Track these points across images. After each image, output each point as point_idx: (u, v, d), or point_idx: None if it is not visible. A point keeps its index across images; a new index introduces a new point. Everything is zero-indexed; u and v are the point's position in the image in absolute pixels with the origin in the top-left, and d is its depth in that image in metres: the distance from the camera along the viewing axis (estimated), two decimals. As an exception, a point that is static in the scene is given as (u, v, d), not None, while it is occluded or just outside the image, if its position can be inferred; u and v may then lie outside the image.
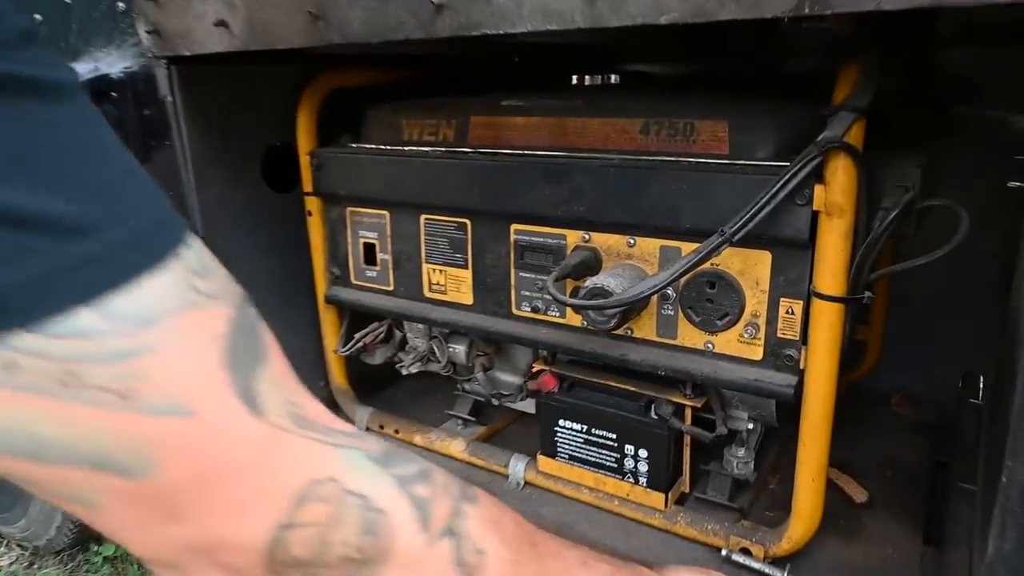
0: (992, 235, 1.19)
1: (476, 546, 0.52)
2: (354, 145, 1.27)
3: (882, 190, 0.89)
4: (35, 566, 1.97)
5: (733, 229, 0.80)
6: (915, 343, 1.44)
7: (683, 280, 0.96)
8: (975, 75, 1.26)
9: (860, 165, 0.80)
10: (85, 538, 1.94)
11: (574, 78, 1.21)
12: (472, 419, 1.36)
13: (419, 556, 0.49)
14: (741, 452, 1.09)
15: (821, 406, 0.91)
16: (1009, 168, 1.13)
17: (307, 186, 1.29)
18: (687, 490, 1.11)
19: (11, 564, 1.99)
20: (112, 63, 1.14)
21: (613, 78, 1.19)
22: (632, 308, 0.93)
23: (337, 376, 1.42)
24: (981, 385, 1.35)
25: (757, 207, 0.80)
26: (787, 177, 0.79)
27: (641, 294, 0.85)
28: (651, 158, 0.97)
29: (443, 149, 1.16)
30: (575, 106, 1.07)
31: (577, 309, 0.96)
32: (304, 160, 1.28)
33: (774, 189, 0.79)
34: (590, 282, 0.93)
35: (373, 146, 1.25)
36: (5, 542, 2.05)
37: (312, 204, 1.30)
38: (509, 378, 1.30)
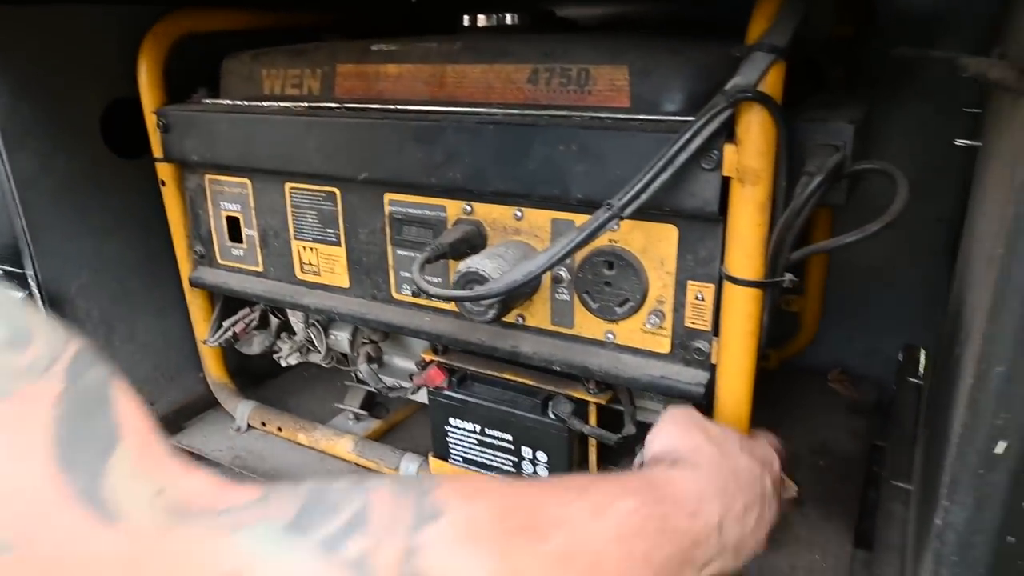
0: (937, 198, 1.07)
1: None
2: (209, 101, 1.08)
3: (807, 151, 0.74)
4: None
5: (622, 202, 0.65)
6: (855, 314, 1.32)
7: (578, 260, 0.81)
8: (924, 14, 1.12)
9: (779, 120, 0.64)
10: None
11: (465, 18, 1.03)
12: (364, 413, 1.20)
13: None
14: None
15: (736, 407, 0.77)
16: (957, 123, 0.99)
17: (157, 150, 1.09)
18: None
19: None
20: None
21: (509, 18, 1.01)
22: (513, 297, 0.78)
23: (213, 368, 1.25)
24: (923, 360, 1.24)
25: (651, 175, 0.64)
26: (688, 136, 0.63)
27: (515, 283, 0.69)
28: (538, 112, 0.81)
29: (306, 104, 0.98)
30: (454, 51, 0.89)
31: (447, 299, 0.81)
32: (150, 120, 1.08)
33: (672, 152, 0.64)
34: (463, 265, 0.77)
35: (229, 102, 1.06)
36: None
37: (165, 172, 1.11)
38: (402, 366, 1.15)
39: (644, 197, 0.65)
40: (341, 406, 1.21)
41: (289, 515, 0.39)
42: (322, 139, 0.92)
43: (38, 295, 1.08)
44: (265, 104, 1.01)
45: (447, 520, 0.43)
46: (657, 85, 0.76)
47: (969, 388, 0.47)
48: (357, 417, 1.20)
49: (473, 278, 0.76)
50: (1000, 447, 0.46)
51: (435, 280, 0.89)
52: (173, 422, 1.24)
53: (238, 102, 1.05)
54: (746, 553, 0.66)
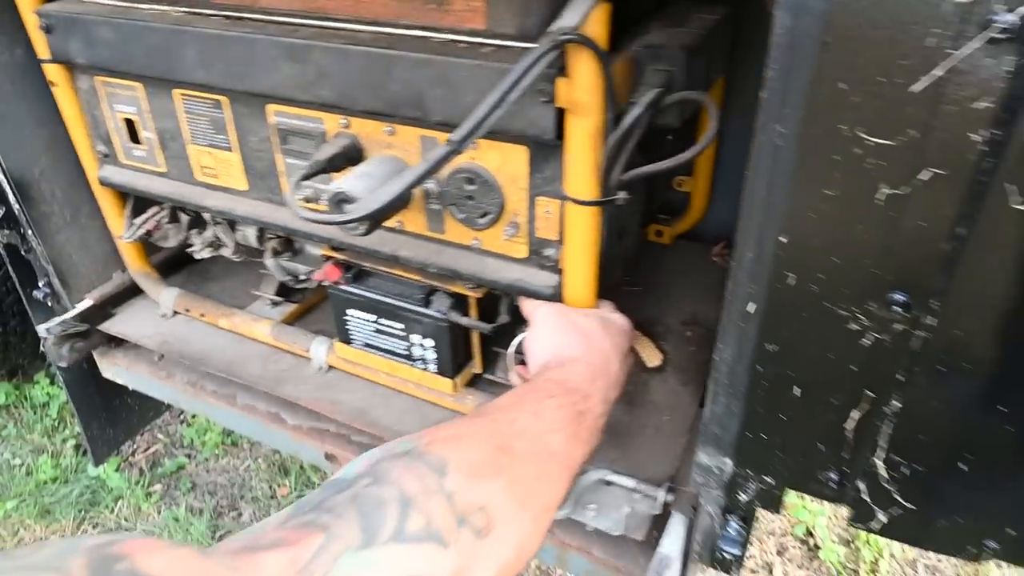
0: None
1: (475, 503, 0.58)
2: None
3: (643, 75, 0.80)
4: None
5: (459, 137, 0.71)
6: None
7: (444, 175, 0.88)
8: None
9: (602, 59, 0.70)
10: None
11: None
12: (280, 299, 1.30)
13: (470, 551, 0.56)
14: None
15: (581, 304, 0.88)
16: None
17: (42, 51, 1.09)
18: (479, 371, 1.11)
19: None
20: None
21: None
22: (380, 215, 0.85)
23: (134, 260, 1.32)
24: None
25: (486, 112, 0.70)
26: (516, 76, 0.69)
27: (370, 211, 0.77)
28: (401, 32, 0.84)
29: (183, 10, 0.98)
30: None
31: (318, 222, 0.87)
32: (29, 20, 1.07)
33: (503, 89, 0.70)
34: (334, 185, 0.84)
35: (110, 2, 1.05)
36: None
37: (54, 73, 1.11)
38: (316, 254, 1.24)
39: (480, 132, 0.72)
40: (257, 292, 1.31)
41: (356, 536, 0.51)
42: (200, 50, 0.94)
43: (5, 180, 1.18)
44: (144, 6, 1.01)
45: (453, 466, 0.59)
46: (511, 7, 0.80)
47: (732, 267, 0.65)
48: (274, 303, 1.30)
49: (342, 198, 0.83)
50: (751, 307, 0.64)
51: (311, 190, 0.95)
52: (100, 311, 1.33)
53: (119, 2, 1.04)
54: (618, 394, 0.87)
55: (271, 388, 1.16)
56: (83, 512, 1.89)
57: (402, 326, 1.06)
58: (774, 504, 0.77)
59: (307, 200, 1.02)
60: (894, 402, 0.62)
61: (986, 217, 0.50)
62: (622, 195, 0.81)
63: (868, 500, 0.68)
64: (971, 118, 0.48)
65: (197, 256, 1.23)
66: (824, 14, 0.49)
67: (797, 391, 0.67)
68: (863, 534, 1.71)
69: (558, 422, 0.72)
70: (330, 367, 1.18)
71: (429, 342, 1.05)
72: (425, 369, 1.08)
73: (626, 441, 1.04)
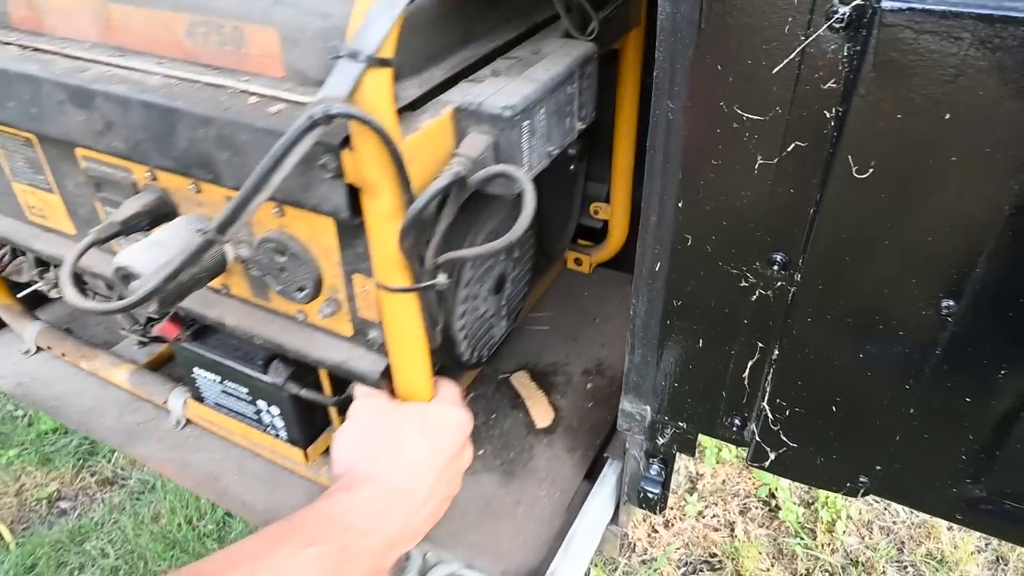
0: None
1: None
2: None
3: (465, 138, 0.67)
4: None
5: (216, 224, 0.59)
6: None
7: (255, 241, 0.76)
8: None
9: (382, 135, 0.57)
10: None
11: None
12: (147, 340, 1.19)
13: None
14: (400, 394, 0.97)
15: (412, 390, 0.77)
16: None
17: None
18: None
19: None
20: None
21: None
22: (174, 293, 0.73)
23: (-6, 292, 1.22)
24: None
25: (244, 198, 0.58)
26: (271, 163, 0.56)
27: (127, 304, 0.65)
28: (192, 79, 0.71)
29: (-20, 36, 0.86)
30: (115, -14, 0.76)
31: (98, 313, 0.75)
32: None
33: (260, 175, 0.57)
34: (118, 257, 0.72)
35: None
36: None
37: None
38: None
39: (243, 217, 0.59)
40: (124, 331, 1.20)
41: None
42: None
43: None
44: (-59, 30, 0.88)
45: None
46: (310, 56, 0.67)
47: (640, 229, 0.68)
48: (141, 343, 1.19)
49: (125, 274, 0.72)
50: (657, 266, 0.69)
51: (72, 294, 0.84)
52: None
53: (-82, 23, 0.91)
54: (436, 518, 0.75)
55: (122, 444, 1.06)
56: (82, 461, 1.92)
57: (247, 390, 0.95)
58: (689, 448, 0.84)
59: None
60: (775, 351, 0.68)
61: (834, 185, 0.56)
62: (441, 279, 0.69)
63: (759, 441, 0.74)
64: (823, 97, 0.53)
65: (50, 296, 1.12)
66: (699, 2, 0.53)
67: (700, 343, 0.73)
68: (822, 495, 1.78)
69: None
70: (188, 421, 1.08)
71: (275, 409, 0.94)
72: (276, 436, 0.98)
73: (491, 523, 0.94)
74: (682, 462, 1.86)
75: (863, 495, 0.73)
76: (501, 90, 0.68)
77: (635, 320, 0.76)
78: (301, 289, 0.76)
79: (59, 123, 0.78)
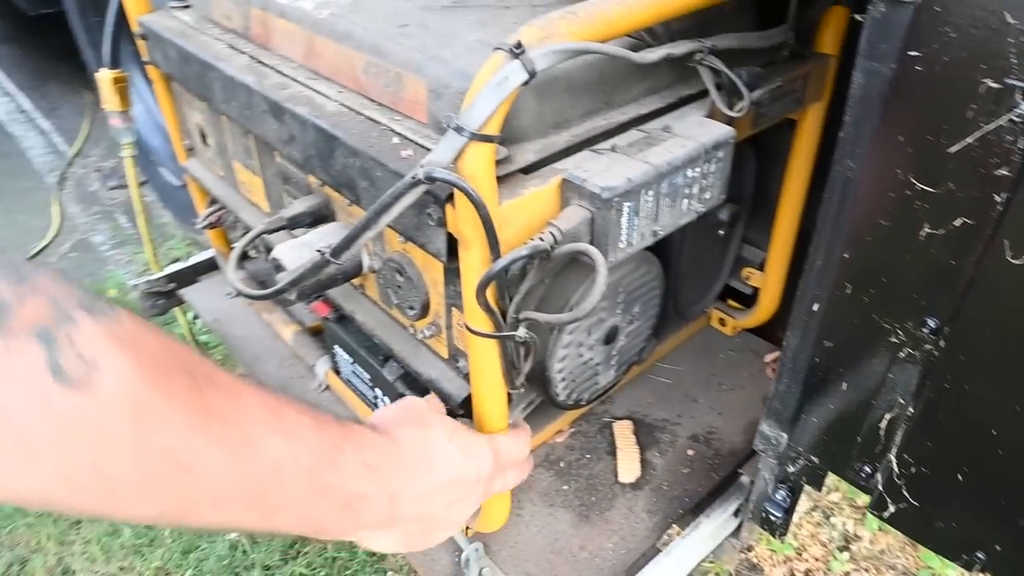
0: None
1: (83, 355, 0.44)
2: (178, 13, 1.16)
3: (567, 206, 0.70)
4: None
5: (329, 250, 0.69)
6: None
7: (385, 256, 0.86)
8: None
9: (475, 202, 0.63)
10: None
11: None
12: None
13: None
14: (498, 414, 1.03)
15: (488, 422, 0.83)
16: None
17: (143, 53, 1.22)
18: (441, 437, 1.09)
19: None
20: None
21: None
22: (313, 286, 0.85)
23: (214, 240, 1.46)
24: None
25: (358, 231, 0.67)
26: (380, 208, 0.64)
27: (269, 293, 0.77)
28: (358, 109, 0.82)
29: (226, 42, 1.04)
30: (321, 20, 0.89)
31: (249, 297, 0.89)
32: (134, 26, 1.20)
33: (372, 215, 0.65)
34: (275, 250, 0.86)
35: (188, 20, 1.14)
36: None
37: (152, 72, 1.25)
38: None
39: (355, 248, 0.69)
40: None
41: None
42: (223, 87, 1.00)
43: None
44: (203, 35, 1.08)
45: (112, 322, 0.46)
46: (448, 110, 0.74)
47: (805, 269, 0.74)
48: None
49: (277, 264, 0.85)
50: (815, 307, 0.75)
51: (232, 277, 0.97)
52: (188, 277, 1.50)
53: (189, 23, 1.12)
54: (434, 533, 0.74)
55: (273, 393, 1.24)
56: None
57: (369, 377, 1.07)
58: (816, 482, 0.88)
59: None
60: (913, 409, 0.72)
61: (989, 264, 0.60)
62: (520, 332, 0.73)
63: (883, 490, 0.78)
64: (993, 181, 0.57)
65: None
66: (890, 80, 0.59)
67: (844, 386, 0.77)
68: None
69: (294, 434, 0.56)
70: (327, 387, 1.23)
71: (387, 400, 1.05)
72: (385, 422, 1.09)
73: (553, 558, 0.97)
74: (840, 517, 1.73)
75: (979, 571, 0.74)
76: (611, 168, 0.70)
77: (787, 351, 0.81)
78: (412, 308, 0.85)
79: (262, 127, 0.93)
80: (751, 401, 1.20)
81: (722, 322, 1.33)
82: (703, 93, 0.83)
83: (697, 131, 0.76)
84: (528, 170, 0.72)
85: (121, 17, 1.27)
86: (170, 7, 1.19)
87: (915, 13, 0.58)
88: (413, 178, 0.62)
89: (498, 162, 0.69)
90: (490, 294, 0.69)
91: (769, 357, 1.26)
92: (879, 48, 0.61)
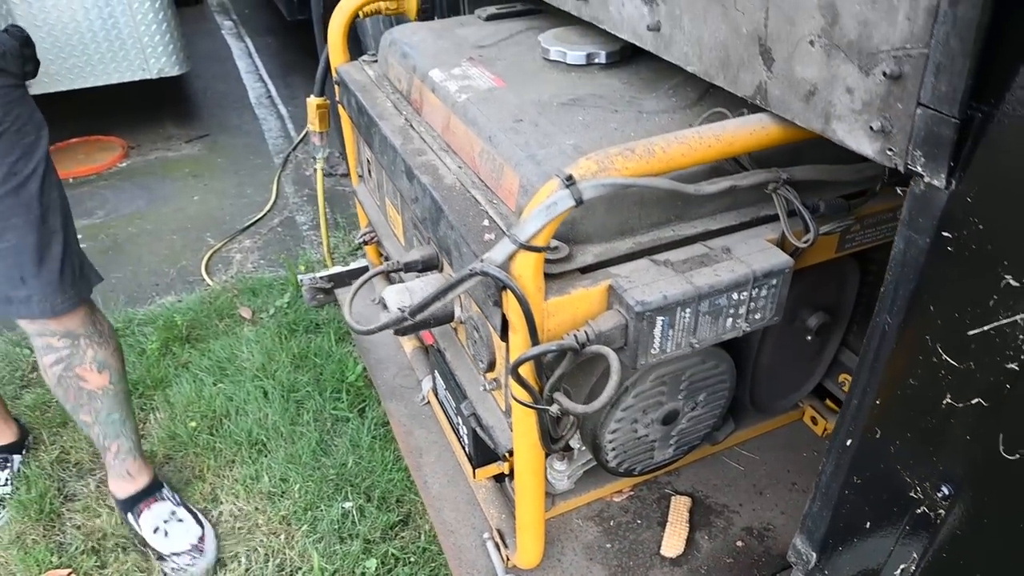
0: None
1: None
2: (367, 68, 1.38)
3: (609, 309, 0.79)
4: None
5: (409, 309, 0.83)
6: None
7: (468, 312, 1.00)
8: None
9: (519, 297, 0.74)
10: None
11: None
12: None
13: None
14: (560, 465, 1.14)
15: (524, 479, 0.93)
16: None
17: (338, 94, 1.46)
18: (506, 473, 1.21)
19: None
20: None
21: (602, 55, 1.09)
22: (412, 326, 1.00)
23: (370, 253, 1.69)
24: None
25: (427, 302, 0.81)
26: (447, 287, 0.78)
27: (371, 330, 0.94)
28: (468, 186, 0.96)
29: (391, 104, 1.23)
30: (458, 103, 1.04)
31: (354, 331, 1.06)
32: (334, 73, 1.44)
33: (437, 292, 0.79)
34: (384, 290, 1.03)
35: (372, 75, 1.35)
36: None
37: (341, 110, 1.48)
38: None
39: (425, 313, 0.83)
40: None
41: None
42: (379, 141, 1.19)
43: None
44: (379, 91, 1.28)
45: None
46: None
47: (842, 408, 0.79)
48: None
49: (382, 303, 1.02)
50: (848, 442, 0.78)
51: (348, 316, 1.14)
52: (344, 279, 1.75)
53: (371, 78, 1.33)
54: None
55: (383, 396, 1.43)
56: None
57: (454, 404, 1.21)
58: None
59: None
60: (921, 564, 0.74)
61: (988, 455, 0.62)
62: (553, 409, 0.83)
63: None
64: (1004, 373, 0.58)
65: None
66: (926, 251, 0.63)
67: (868, 524, 0.80)
68: None
69: None
70: (427, 401, 1.40)
71: (464, 429, 1.19)
72: (463, 448, 1.23)
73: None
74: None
75: None
76: (655, 282, 0.78)
77: (821, 476, 0.85)
78: (482, 361, 0.98)
79: (400, 183, 1.11)
80: (819, 508, 1.19)
81: (814, 420, 1.32)
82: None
83: (754, 258, 0.81)
84: (585, 270, 0.82)
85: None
86: (362, 60, 1.41)
87: (949, 198, 0.61)
88: (471, 271, 0.74)
89: (558, 260, 0.80)
90: (529, 372, 0.80)
91: (849, 468, 1.24)
92: (918, 221, 0.64)
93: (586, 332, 0.77)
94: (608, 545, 1.14)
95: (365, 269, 1.75)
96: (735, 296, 0.80)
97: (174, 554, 1.54)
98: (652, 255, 0.84)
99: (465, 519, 1.19)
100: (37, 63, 1.18)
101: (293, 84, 4.55)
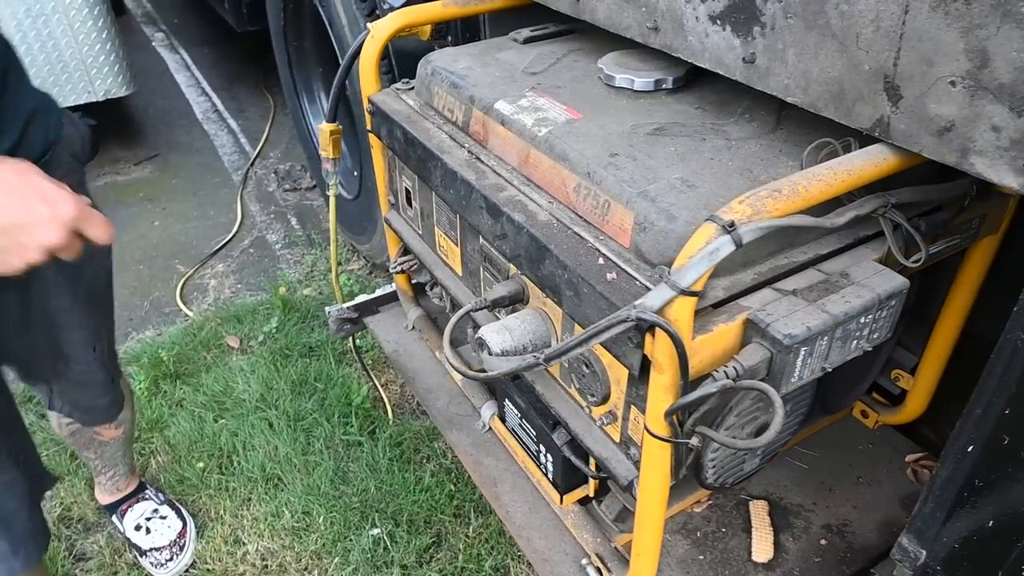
0: None
1: None
2: (403, 96, 1.35)
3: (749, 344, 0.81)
4: (372, 275, 2.85)
5: (547, 355, 0.84)
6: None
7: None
8: None
9: (675, 340, 0.75)
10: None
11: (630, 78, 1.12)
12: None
13: None
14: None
15: (649, 507, 0.95)
16: None
17: (368, 123, 1.43)
18: (591, 495, 1.23)
19: (359, 268, 2.93)
20: None
21: (669, 80, 1.10)
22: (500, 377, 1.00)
23: (398, 279, 1.66)
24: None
25: (571, 347, 0.81)
26: (593, 331, 0.78)
27: (484, 378, 0.93)
28: (564, 227, 0.96)
29: (447, 134, 1.21)
30: (538, 137, 1.04)
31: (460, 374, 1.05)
32: (364, 104, 1.40)
33: (585, 336, 0.79)
34: (481, 330, 1.02)
35: (412, 104, 1.32)
36: (357, 254, 2.97)
37: (372, 140, 1.45)
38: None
39: (565, 357, 0.83)
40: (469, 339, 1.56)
41: None
42: (443, 176, 1.17)
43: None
44: (427, 121, 1.26)
45: None
46: (650, 242, 0.87)
47: (965, 411, 0.80)
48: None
49: (483, 343, 1.01)
50: (970, 448, 0.81)
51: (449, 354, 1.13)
52: (371, 307, 1.72)
53: (413, 107, 1.31)
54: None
55: (443, 427, 1.42)
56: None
57: (535, 434, 1.22)
58: None
59: (492, 307, 1.21)
60: None
61: None
62: (693, 441, 0.85)
63: None
64: None
65: (429, 294, 1.52)
66: None
67: (990, 524, 0.83)
68: None
69: None
70: (489, 428, 1.40)
71: (550, 457, 1.19)
72: (545, 474, 1.23)
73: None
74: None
75: None
76: (793, 314, 0.80)
77: (937, 479, 0.87)
78: (592, 395, 0.98)
79: (476, 218, 1.10)
80: (888, 499, 1.26)
81: (864, 414, 1.38)
82: (878, 234, 0.92)
83: (874, 281, 0.85)
84: (717, 305, 0.84)
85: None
86: (395, 88, 1.38)
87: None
88: (628, 318, 0.75)
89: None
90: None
91: (911, 457, 1.31)
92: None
93: (735, 368, 0.79)
94: (700, 557, 1.17)
95: (392, 296, 1.72)
96: (862, 320, 0.83)
97: (154, 549, 1.67)
98: (773, 284, 0.87)
99: (556, 546, 1.20)
100: (97, 149, 1.17)
101: (239, 96, 4.40)
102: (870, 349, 0.88)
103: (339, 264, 3.00)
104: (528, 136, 1.05)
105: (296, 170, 3.67)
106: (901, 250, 0.89)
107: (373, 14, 1.96)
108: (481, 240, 1.16)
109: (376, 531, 2.04)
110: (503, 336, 1.00)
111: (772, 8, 0.85)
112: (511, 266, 1.10)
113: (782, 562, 1.16)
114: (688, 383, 0.79)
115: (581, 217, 0.97)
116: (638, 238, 0.88)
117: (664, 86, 1.11)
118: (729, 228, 0.71)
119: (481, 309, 1.07)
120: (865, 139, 0.84)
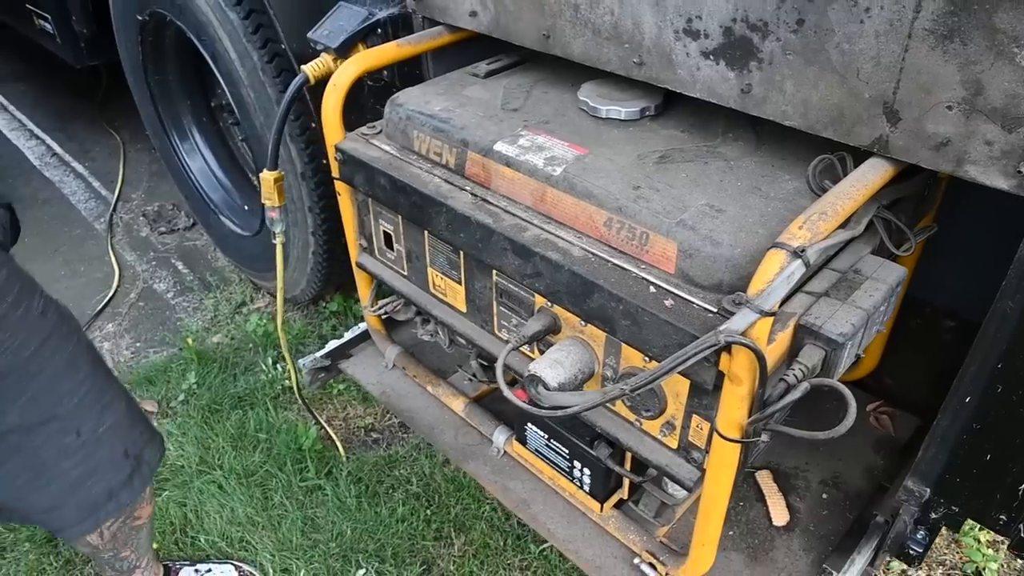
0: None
1: None
2: (373, 141, 1.34)
3: (803, 347, 0.93)
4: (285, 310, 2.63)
5: (632, 386, 0.90)
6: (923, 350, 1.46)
7: (623, 366, 1.07)
8: None
9: (759, 357, 0.85)
10: (320, 295, 2.52)
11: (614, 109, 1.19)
12: (474, 379, 1.57)
13: None
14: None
15: (714, 503, 1.05)
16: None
17: (334, 170, 1.40)
18: (625, 497, 1.31)
19: (266, 306, 2.80)
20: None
21: (652, 108, 1.19)
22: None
23: (371, 320, 1.65)
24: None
25: (658, 376, 0.88)
26: (682, 359, 0.86)
27: (554, 412, 0.98)
28: (605, 258, 1.03)
29: (440, 176, 1.23)
30: (555, 176, 1.09)
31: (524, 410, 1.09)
32: (331, 150, 1.38)
33: (672, 364, 0.87)
34: (531, 366, 1.06)
35: (386, 149, 1.32)
36: (260, 291, 2.85)
37: (340, 187, 1.43)
38: (506, 355, 1.48)
39: (650, 386, 0.90)
40: (461, 369, 1.59)
41: None
42: (449, 221, 1.19)
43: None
44: (412, 166, 1.27)
45: None
46: (697, 267, 0.96)
47: (962, 371, 0.97)
48: (473, 377, 1.57)
49: (536, 380, 1.05)
50: (967, 400, 0.98)
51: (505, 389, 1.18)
52: (343, 351, 1.69)
53: (391, 152, 1.31)
54: None
55: (458, 460, 1.44)
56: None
57: (568, 451, 1.28)
58: (955, 525, 1.12)
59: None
60: None
61: None
62: (763, 438, 0.95)
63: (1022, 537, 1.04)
64: None
65: (420, 335, 1.53)
66: None
67: (988, 457, 1.00)
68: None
69: None
70: (505, 452, 1.44)
71: (587, 471, 1.26)
72: (580, 487, 1.30)
73: (738, 596, 1.20)
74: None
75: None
76: (835, 314, 0.92)
77: (938, 426, 1.01)
78: (648, 410, 1.06)
79: (495, 258, 1.13)
80: (863, 447, 1.45)
81: (824, 376, 1.57)
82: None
83: (881, 273, 0.99)
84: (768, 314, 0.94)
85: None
86: (361, 134, 1.37)
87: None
88: (717, 342, 0.83)
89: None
90: (742, 412, 0.92)
91: (871, 406, 1.51)
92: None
93: (801, 370, 0.90)
94: (730, 532, 1.30)
95: (363, 336, 1.70)
96: (883, 308, 0.97)
97: None
98: (802, 289, 0.98)
99: (604, 551, 1.27)
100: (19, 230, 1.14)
101: (78, 136, 4.01)
102: (881, 331, 1.02)
103: (243, 304, 2.87)
104: (542, 176, 1.10)
105: (168, 210, 3.42)
106: (892, 241, 1.04)
107: (266, 46, 1.89)
108: (495, 277, 1.20)
109: (362, 572, 2.01)
110: (556, 371, 1.05)
111: (770, 47, 0.96)
112: (536, 300, 1.14)
113: (798, 521, 1.31)
114: (764, 393, 0.89)
115: (616, 249, 1.04)
116: (685, 264, 0.97)
117: (648, 113, 1.20)
118: (799, 252, 0.81)
119: (522, 346, 1.11)
120: (857, 152, 0.97)
